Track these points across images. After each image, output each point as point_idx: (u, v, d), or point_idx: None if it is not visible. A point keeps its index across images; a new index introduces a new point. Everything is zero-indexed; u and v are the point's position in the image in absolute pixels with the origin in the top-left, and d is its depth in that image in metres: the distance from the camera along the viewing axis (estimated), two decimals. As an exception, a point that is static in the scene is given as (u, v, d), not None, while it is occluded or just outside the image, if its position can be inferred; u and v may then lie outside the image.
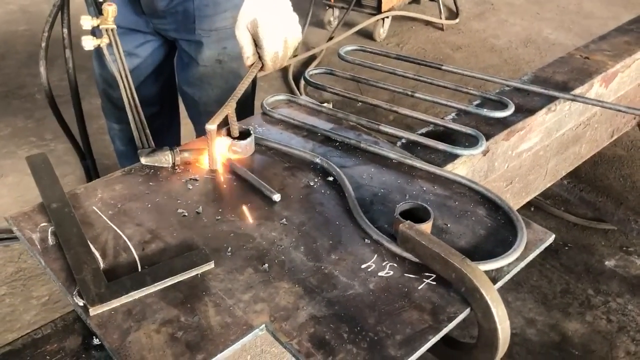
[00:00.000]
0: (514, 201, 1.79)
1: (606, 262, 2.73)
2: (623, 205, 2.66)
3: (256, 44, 1.34)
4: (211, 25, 1.76)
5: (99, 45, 1.40)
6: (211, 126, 1.26)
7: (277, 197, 1.23)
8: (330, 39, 4.33)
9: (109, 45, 1.41)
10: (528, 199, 1.88)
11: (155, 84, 2.00)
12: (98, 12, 1.48)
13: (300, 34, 1.38)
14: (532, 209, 2.96)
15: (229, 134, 1.36)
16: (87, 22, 1.40)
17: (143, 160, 1.31)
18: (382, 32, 4.59)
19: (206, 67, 1.84)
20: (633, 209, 2.69)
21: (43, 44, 1.98)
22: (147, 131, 1.36)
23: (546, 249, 1.15)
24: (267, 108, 1.53)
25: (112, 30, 1.40)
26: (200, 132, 1.88)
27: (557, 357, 2.31)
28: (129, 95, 1.39)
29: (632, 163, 3.31)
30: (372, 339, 0.95)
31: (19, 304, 2.35)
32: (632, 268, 2.69)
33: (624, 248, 2.80)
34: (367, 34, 4.63)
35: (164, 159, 1.31)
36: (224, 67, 1.84)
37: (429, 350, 0.98)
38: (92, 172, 2.28)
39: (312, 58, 4.24)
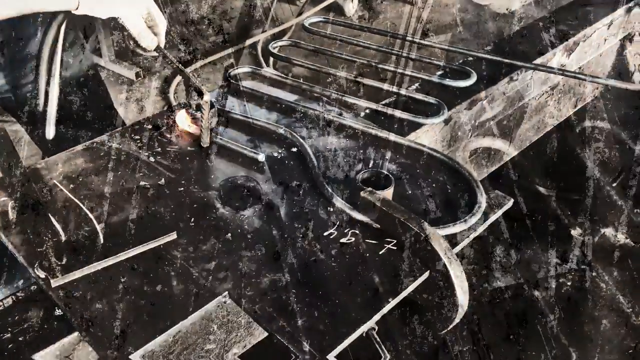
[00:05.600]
0: (479, 171, 1.82)
1: (572, 231, 2.79)
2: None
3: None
4: None
5: None
6: (208, 96, 1.24)
7: (262, 157, 1.25)
8: (300, 14, 4.29)
9: None
10: (493, 169, 1.91)
11: None
12: None
13: None
14: (500, 180, 3.00)
15: (187, 107, 1.35)
16: None
17: None
18: (352, 7, 4.56)
19: None
20: (598, 179, 2.75)
21: None
22: None
23: (514, 218, 1.18)
24: (231, 80, 1.52)
25: None
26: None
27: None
28: None
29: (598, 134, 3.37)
30: (333, 302, 0.96)
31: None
32: (597, 236, 2.76)
33: (589, 217, 2.87)
34: (338, 9, 4.59)
35: None
36: None
37: (390, 312, 1.01)
38: None
39: (282, 34, 4.20)
